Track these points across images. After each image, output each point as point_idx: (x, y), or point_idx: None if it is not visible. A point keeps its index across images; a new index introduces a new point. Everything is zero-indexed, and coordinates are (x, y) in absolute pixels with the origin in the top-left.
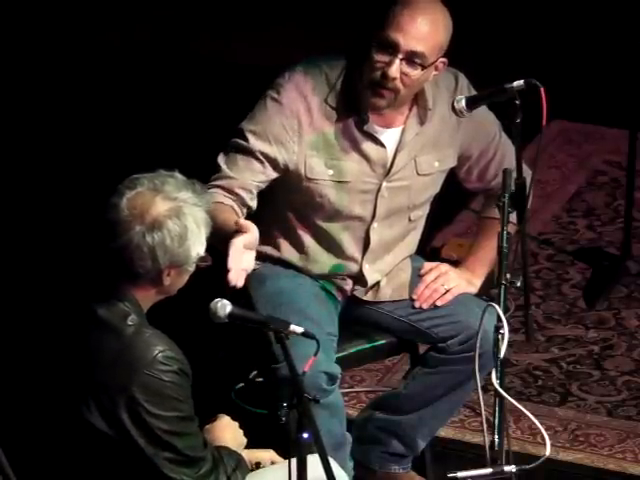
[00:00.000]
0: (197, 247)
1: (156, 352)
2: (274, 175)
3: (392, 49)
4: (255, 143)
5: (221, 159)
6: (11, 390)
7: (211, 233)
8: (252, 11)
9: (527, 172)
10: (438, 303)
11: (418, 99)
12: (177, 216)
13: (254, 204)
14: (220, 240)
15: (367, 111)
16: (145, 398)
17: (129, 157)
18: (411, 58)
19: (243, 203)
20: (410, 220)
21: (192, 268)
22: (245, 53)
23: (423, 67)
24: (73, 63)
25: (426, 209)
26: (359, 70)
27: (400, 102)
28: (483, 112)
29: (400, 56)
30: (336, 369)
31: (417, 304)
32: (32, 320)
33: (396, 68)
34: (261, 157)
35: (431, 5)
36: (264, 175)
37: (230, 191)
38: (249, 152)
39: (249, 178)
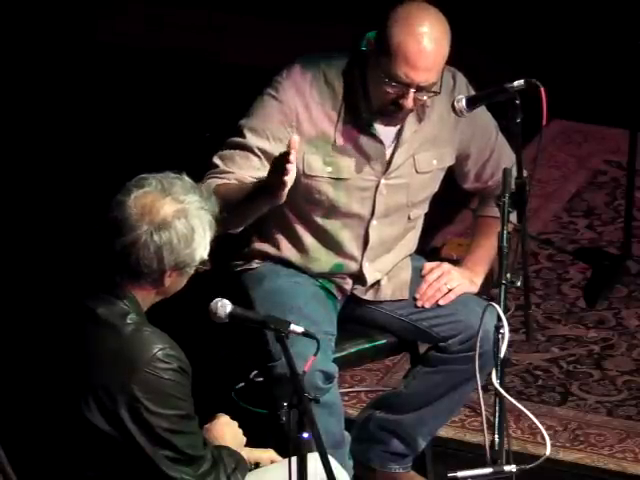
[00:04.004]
0: (201, 250)
1: (156, 350)
2: None
3: (404, 84)
4: (253, 139)
5: (217, 157)
6: (11, 389)
7: (237, 198)
8: (253, 11)
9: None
10: (441, 302)
11: None
12: (185, 217)
13: None
14: (249, 192)
15: (366, 111)
16: (145, 396)
17: (129, 157)
18: (424, 87)
19: None
20: (409, 218)
21: (192, 271)
22: (244, 54)
23: (435, 92)
24: (74, 63)
25: (425, 208)
26: (358, 69)
27: None
28: (480, 112)
29: (413, 90)
30: (332, 368)
31: (419, 303)
32: (32, 319)
33: (411, 100)
34: (259, 153)
35: (430, 21)
36: (261, 171)
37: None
38: (246, 148)
39: (246, 173)
